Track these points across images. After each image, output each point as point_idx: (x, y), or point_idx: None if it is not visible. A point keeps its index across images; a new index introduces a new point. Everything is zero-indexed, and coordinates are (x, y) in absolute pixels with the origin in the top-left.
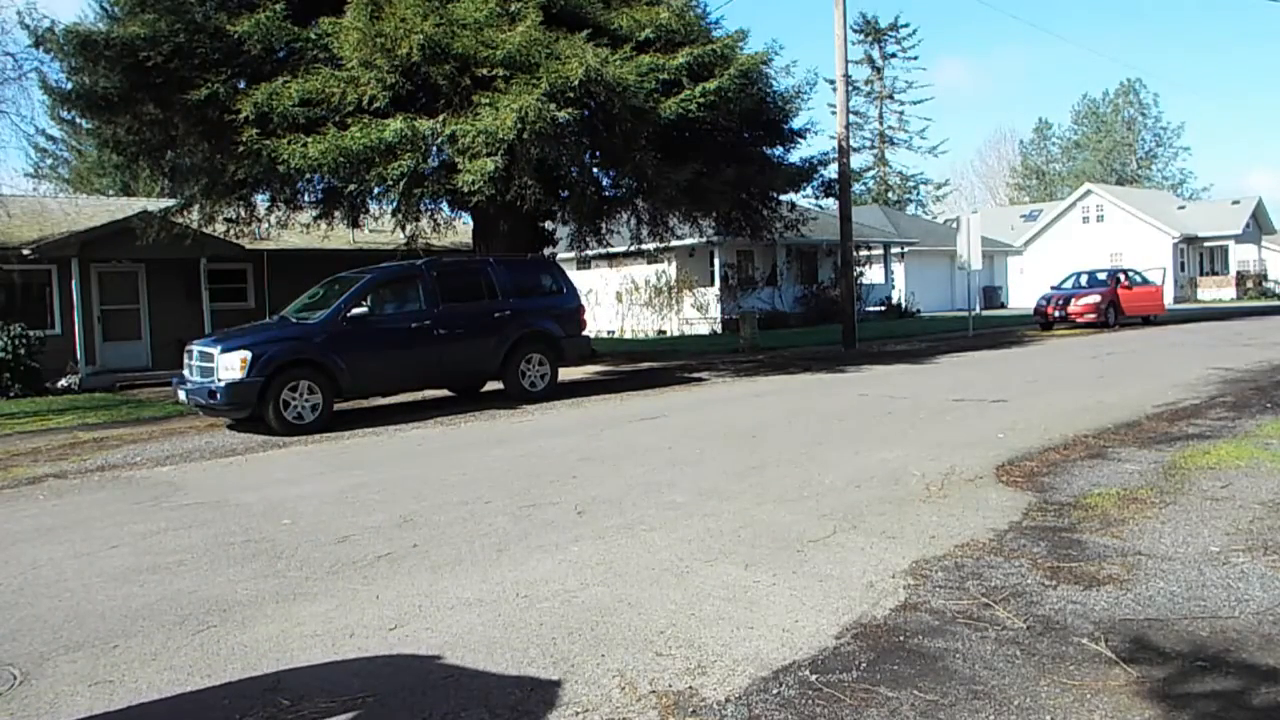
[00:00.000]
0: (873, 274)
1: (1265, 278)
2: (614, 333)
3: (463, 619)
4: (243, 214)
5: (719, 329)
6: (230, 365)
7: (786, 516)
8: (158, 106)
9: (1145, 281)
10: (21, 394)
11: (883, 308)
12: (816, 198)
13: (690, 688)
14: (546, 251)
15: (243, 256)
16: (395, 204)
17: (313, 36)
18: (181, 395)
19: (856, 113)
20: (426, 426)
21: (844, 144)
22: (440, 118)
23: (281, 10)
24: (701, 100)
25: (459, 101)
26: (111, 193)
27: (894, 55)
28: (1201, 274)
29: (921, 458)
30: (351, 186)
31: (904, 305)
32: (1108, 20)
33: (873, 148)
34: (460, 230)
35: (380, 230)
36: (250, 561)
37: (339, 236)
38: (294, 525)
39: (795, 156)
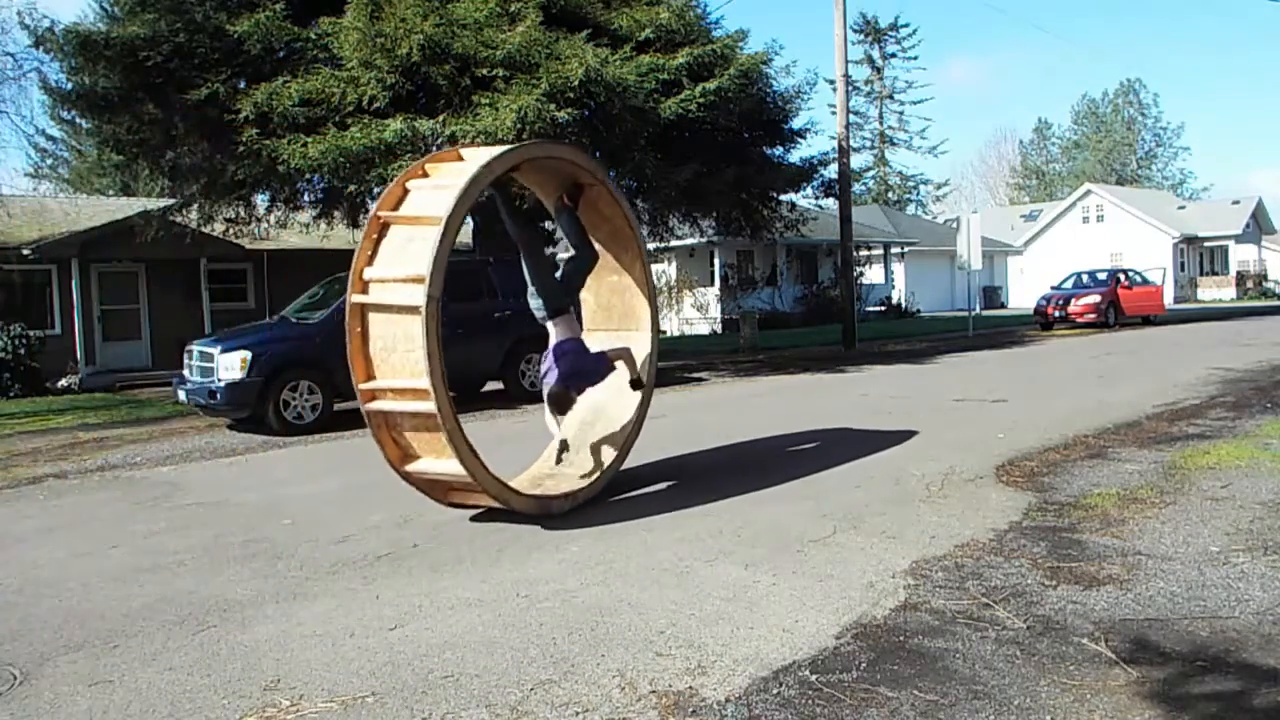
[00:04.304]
0: (873, 274)
1: (1265, 278)
2: None
3: (463, 619)
4: (242, 214)
5: (719, 329)
6: (230, 365)
7: (787, 516)
8: (158, 106)
9: (1145, 281)
10: (21, 394)
11: (883, 308)
12: (816, 198)
13: (690, 688)
14: (547, 251)
15: (243, 256)
16: None
17: (313, 36)
18: (181, 395)
19: (856, 113)
20: None
21: (844, 144)
22: (440, 118)
23: (281, 10)
24: (701, 100)
25: (459, 101)
26: (111, 193)
27: (894, 55)
28: (1201, 274)
29: (921, 457)
30: (351, 186)
31: (904, 305)
32: (1108, 20)
33: (873, 148)
34: (460, 230)
35: None
36: (250, 561)
37: (339, 236)
38: (294, 525)
39: (795, 156)
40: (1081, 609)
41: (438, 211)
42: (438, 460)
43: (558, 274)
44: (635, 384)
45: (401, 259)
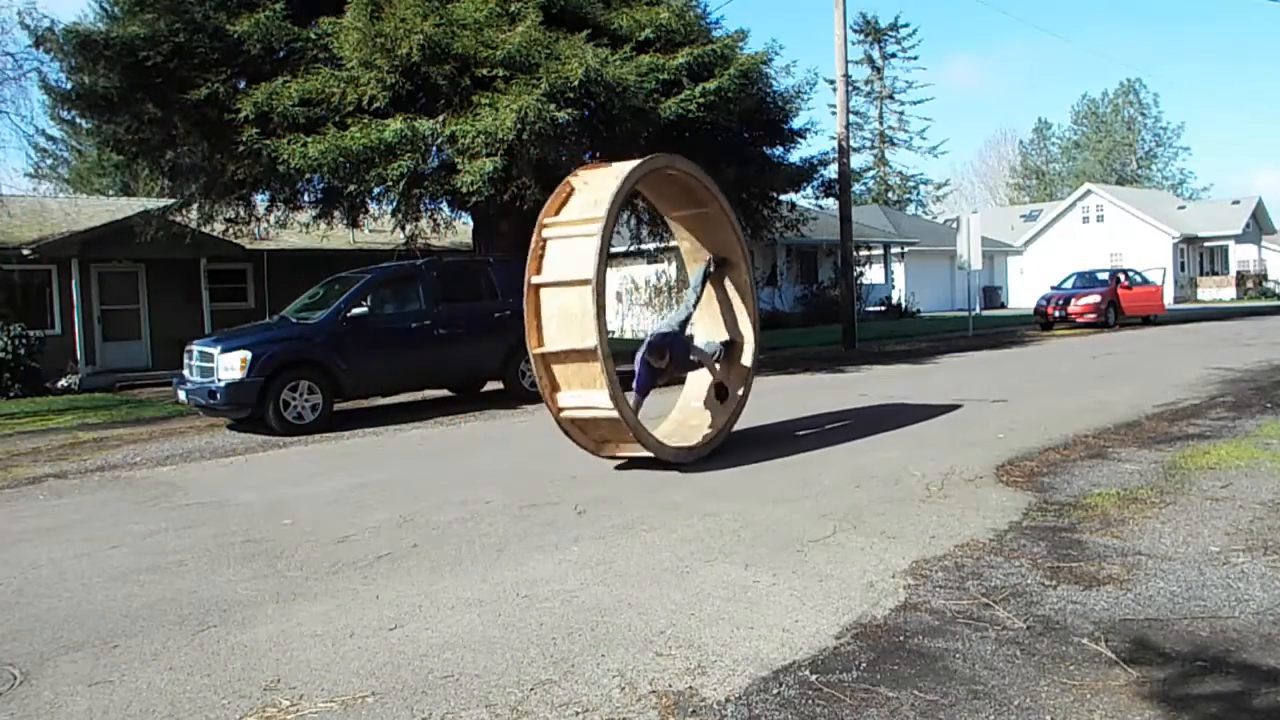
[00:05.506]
0: (873, 274)
1: (1265, 278)
2: (614, 333)
3: (463, 619)
4: (242, 214)
5: None
6: (230, 365)
7: (787, 516)
8: (157, 106)
9: (1145, 281)
10: (21, 394)
11: (883, 308)
12: (816, 198)
13: (690, 688)
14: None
15: (243, 256)
16: (395, 204)
17: (313, 36)
18: (181, 395)
19: (856, 113)
20: (426, 426)
21: (844, 144)
22: (440, 118)
23: (281, 10)
24: (701, 100)
25: (459, 102)
26: (111, 193)
27: (894, 55)
28: (1201, 274)
29: (921, 457)
30: (351, 186)
31: (904, 305)
32: (1108, 20)
33: (873, 148)
34: (460, 230)
35: (380, 230)
36: (250, 561)
37: (339, 236)
38: (294, 525)
39: (795, 156)
40: (1081, 609)
41: (610, 185)
42: (585, 393)
43: (691, 354)
44: (721, 391)
45: (582, 209)
